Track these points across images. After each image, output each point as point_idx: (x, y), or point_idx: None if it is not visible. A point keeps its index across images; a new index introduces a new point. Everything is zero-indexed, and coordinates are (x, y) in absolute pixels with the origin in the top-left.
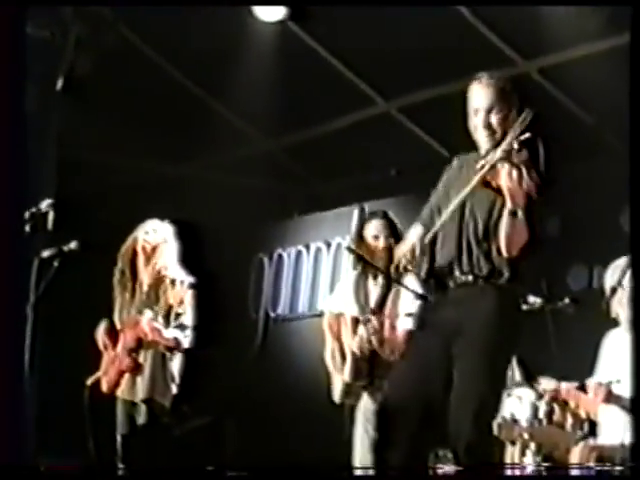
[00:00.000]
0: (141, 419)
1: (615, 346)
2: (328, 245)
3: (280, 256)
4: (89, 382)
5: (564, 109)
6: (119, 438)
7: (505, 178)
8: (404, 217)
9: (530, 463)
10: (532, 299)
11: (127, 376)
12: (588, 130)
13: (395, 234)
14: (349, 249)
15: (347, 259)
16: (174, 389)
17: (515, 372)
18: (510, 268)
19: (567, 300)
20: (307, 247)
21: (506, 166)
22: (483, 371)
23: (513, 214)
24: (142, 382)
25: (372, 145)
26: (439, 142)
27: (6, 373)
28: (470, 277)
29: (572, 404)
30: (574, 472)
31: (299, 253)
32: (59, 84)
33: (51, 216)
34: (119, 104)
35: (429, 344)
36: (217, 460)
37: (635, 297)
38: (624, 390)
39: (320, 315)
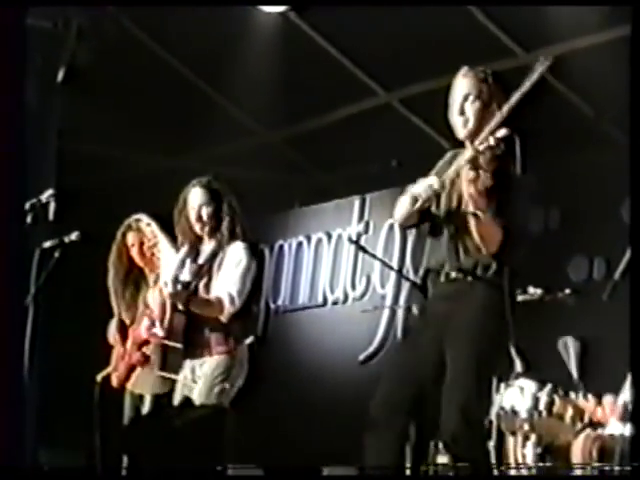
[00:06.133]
0: (145, 409)
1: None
2: (329, 236)
3: (281, 247)
4: (99, 378)
5: (566, 101)
6: (123, 429)
7: (465, 183)
8: None
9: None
10: (532, 290)
11: (138, 370)
12: (590, 122)
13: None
14: (350, 240)
15: (348, 250)
16: None
17: (516, 363)
18: (494, 262)
19: (567, 291)
20: (308, 238)
21: (466, 170)
22: (470, 365)
23: (475, 216)
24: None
25: (373, 136)
26: (440, 133)
27: (6, 363)
28: (459, 273)
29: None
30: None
31: (300, 244)
32: (60, 75)
33: (52, 207)
34: (120, 96)
35: (422, 339)
36: (217, 452)
37: (634, 290)
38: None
39: (321, 306)
